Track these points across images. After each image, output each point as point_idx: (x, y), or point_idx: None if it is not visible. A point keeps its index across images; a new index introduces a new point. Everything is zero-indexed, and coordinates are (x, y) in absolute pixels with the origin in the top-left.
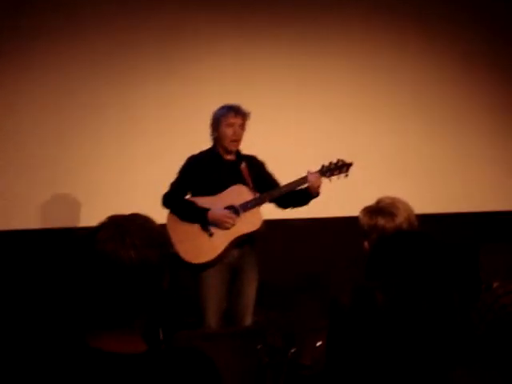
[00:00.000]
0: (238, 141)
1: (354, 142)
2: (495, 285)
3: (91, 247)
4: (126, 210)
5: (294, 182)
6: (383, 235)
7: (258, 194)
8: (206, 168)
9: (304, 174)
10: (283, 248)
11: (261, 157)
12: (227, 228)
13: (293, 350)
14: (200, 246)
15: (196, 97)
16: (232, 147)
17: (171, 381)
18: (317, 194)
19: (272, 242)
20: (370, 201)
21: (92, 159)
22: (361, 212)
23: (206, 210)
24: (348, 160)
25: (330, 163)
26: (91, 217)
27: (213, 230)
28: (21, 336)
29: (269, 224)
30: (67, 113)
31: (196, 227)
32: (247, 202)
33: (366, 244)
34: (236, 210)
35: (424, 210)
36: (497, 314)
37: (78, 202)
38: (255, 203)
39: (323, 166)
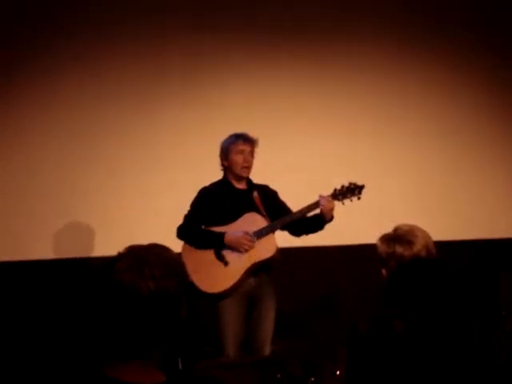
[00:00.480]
0: (249, 167)
1: (367, 168)
2: None
3: (109, 277)
4: (140, 238)
5: (306, 207)
6: (401, 263)
7: (270, 222)
8: (219, 198)
9: (316, 199)
10: (295, 276)
11: (273, 185)
12: (245, 250)
13: (313, 379)
14: (216, 275)
15: (212, 123)
16: (244, 174)
17: None
18: (330, 219)
19: (285, 270)
20: (385, 229)
21: (107, 186)
22: (378, 240)
23: (223, 233)
24: (360, 183)
25: (342, 186)
26: (106, 246)
27: (228, 258)
28: (40, 366)
29: (284, 252)
30: (82, 139)
31: (211, 256)
32: (261, 229)
33: (383, 272)
34: (251, 237)
35: (443, 237)
36: None
37: (91, 231)
38: (269, 230)
39: (335, 190)
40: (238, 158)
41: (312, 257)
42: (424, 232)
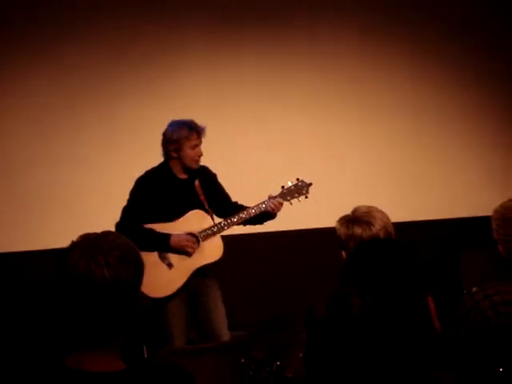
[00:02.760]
0: (200, 160)
1: (330, 147)
2: (474, 290)
3: (64, 266)
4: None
5: (253, 208)
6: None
7: (214, 219)
8: (160, 189)
9: (264, 199)
10: (260, 261)
11: (221, 169)
12: (189, 253)
13: (278, 363)
14: (158, 279)
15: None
16: (195, 166)
17: None
18: (274, 217)
19: (248, 256)
20: (348, 210)
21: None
22: (337, 222)
23: (168, 235)
24: (307, 180)
25: (291, 185)
26: (63, 238)
27: (172, 260)
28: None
29: (243, 238)
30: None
31: (154, 258)
32: (207, 230)
33: (343, 254)
34: (196, 238)
35: (405, 218)
36: (475, 319)
37: (48, 223)
38: (215, 231)
39: (283, 188)
40: (191, 153)
41: (273, 242)
42: (383, 213)
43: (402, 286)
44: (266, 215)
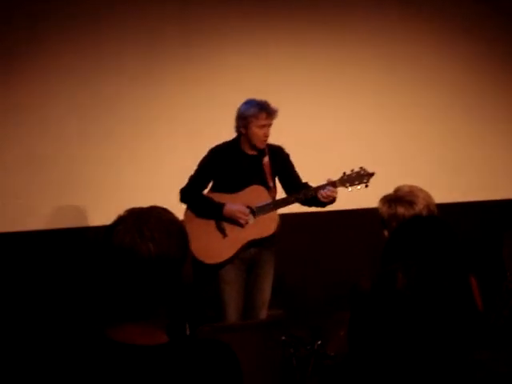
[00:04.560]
0: (267, 140)
1: (367, 131)
2: None
3: (110, 240)
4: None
5: (310, 190)
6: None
7: (275, 197)
8: (228, 162)
9: (324, 182)
10: (304, 242)
11: (288, 148)
12: (241, 224)
13: (319, 342)
14: (212, 246)
15: (212, 88)
16: (261, 146)
17: (191, 372)
18: (332, 202)
19: (293, 236)
20: (386, 191)
21: (105, 158)
22: (380, 201)
23: (222, 204)
24: (370, 169)
25: (352, 171)
26: (105, 216)
27: (227, 230)
28: (42, 332)
29: (291, 217)
30: (80, 112)
31: (211, 226)
32: (263, 205)
33: (385, 233)
34: (252, 212)
35: (448, 199)
36: None
37: (92, 202)
38: (271, 207)
39: (344, 174)
40: (258, 132)
41: (314, 222)
42: (425, 192)
43: (444, 263)
44: (322, 203)
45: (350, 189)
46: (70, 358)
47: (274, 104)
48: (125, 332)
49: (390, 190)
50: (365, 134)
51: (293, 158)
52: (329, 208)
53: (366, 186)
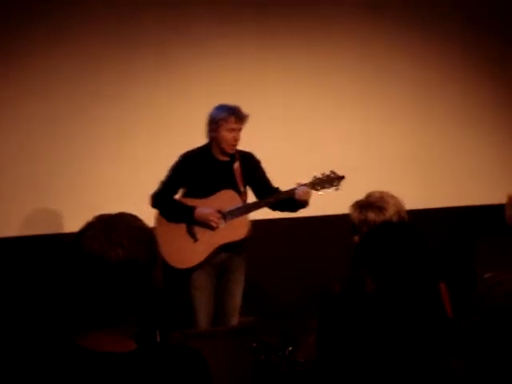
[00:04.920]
0: (236, 145)
1: (347, 137)
2: (487, 275)
3: (78, 246)
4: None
5: (282, 193)
6: None
7: (246, 201)
8: (199, 168)
9: (294, 186)
10: (276, 248)
11: (258, 154)
12: (212, 228)
13: (290, 348)
14: (183, 251)
15: (188, 97)
16: (230, 151)
17: (161, 379)
18: (305, 205)
19: (264, 242)
20: (361, 196)
21: (79, 160)
22: (351, 207)
23: (193, 207)
24: (340, 173)
25: (322, 175)
26: (77, 222)
27: (198, 234)
28: (10, 338)
29: (262, 223)
30: (57, 114)
31: (182, 230)
32: (235, 209)
33: (356, 239)
34: (223, 216)
35: (420, 205)
36: (489, 305)
37: (63, 208)
38: (242, 211)
39: (314, 178)
40: (227, 136)
41: (287, 228)
42: (396, 198)
43: (413, 269)
44: (297, 203)
45: (320, 192)
46: (38, 365)
47: (246, 109)
48: (94, 339)
49: (361, 196)
50: (338, 139)
51: (264, 164)
52: (301, 214)
53: (337, 190)
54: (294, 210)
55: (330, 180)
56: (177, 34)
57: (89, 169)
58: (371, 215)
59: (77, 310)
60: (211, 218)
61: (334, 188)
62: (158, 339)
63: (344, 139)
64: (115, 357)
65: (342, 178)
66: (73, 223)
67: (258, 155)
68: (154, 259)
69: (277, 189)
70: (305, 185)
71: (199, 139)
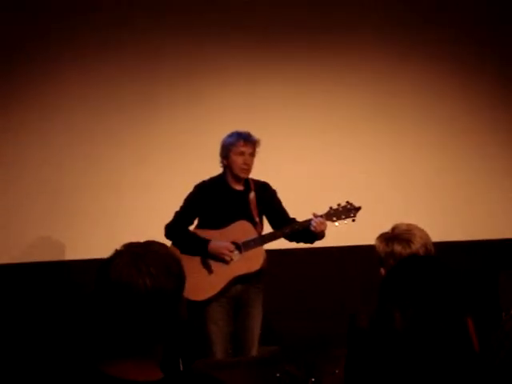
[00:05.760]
0: (248, 169)
1: (364, 168)
2: None
3: (106, 274)
4: (129, 239)
5: (297, 224)
6: None
7: (261, 232)
8: (214, 198)
9: (310, 217)
10: (299, 278)
11: (275, 185)
12: (226, 261)
13: (313, 380)
14: (198, 283)
15: (210, 124)
16: (242, 175)
17: None
18: (322, 237)
19: (288, 272)
20: (384, 229)
21: (93, 187)
22: (377, 239)
23: (208, 240)
24: (357, 204)
25: (338, 206)
26: (94, 249)
27: (213, 266)
28: (37, 365)
29: (285, 253)
30: (71, 139)
31: (197, 262)
32: (250, 241)
33: (382, 271)
34: (238, 247)
35: (443, 237)
36: None
37: (84, 233)
38: (258, 243)
39: (330, 209)
40: (237, 159)
41: (310, 258)
42: (422, 231)
43: (441, 304)
44: (313, 234)
45: (337, 223)
46: None
47: (263, 137)
48: (121, 367)
49: (386, 229)
50: (359, 173)
51: (281, 195)
52: (322, 244)
53: (353, 221)
54: (311, 241)
55: (347, 211)
56: (196, 62)
57: (106, 196)
58: (398, 248)
59: (104, 338)
60: (225, 252)
61: (351, 219)
62: (182, 368)
63: (368, 174)
64: None
65: (359, 208)
66: (90, 250)
67: (275, 185)
68: (182, 288)
69: (293, 219)
70: (321, 216)
71: (217, 167)
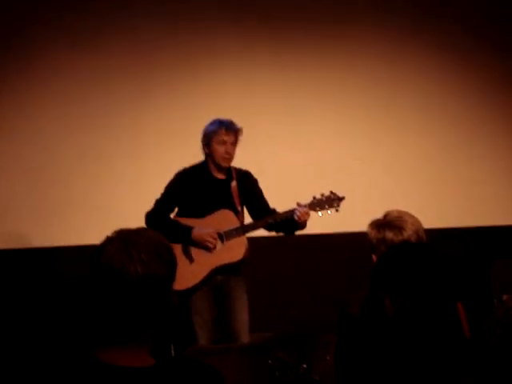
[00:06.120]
0: (230, 158)
1: (358, 154)
2: (505, 297)
3: (98, 261)
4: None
5: (281, 214)
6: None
7: (243, 221)
8: (195, 186)
9: (293, 207)
10: (290, 264)
11: (256, 173)
12: (209, 248)
13: (305, 366)
14: (179, 272)
15: (189, 110)
16: (224, 164)
17: None
18: (303, 227)
19: (279, 258)
20: (376, 215)
21: (94, 174)
22: (368, 226)
23: (190, 228)
24: (340, 194)
25: (322, 196)
26: (92, 235)
27: (194, 255)
28: (30, 352)
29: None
30: (73, 128)
31: (178, 251)
32: (232, 230)
33: (374, 258)
34: (220, 237)
35: (437, 224)
36: (507, 327)
37: (75, 219)
38: (240, 232)
39: (314, 199)
40: (219, 148)
41: (301, 245)
42: (414, 218)
43: (432, 290)
44: (294, 224)
45: (320, 213)
46: (58, 379)
47: (249, 127)
48: (113, 354)
49: (378, 214)
50: (351, 158)
51: (273, 183)
52: (313, 230)
53: (337, 211)
54: (291, 231)
55: (330, 201)
56: (192, 47)
57: (99, 184)
58: (389, 234)
59: (96, 325)
60: (208, 239)
61: (334, 209)
62: (173, 354)
63: (356, 157)
64: (134, 371)
65: (342, 198)
66: (94, 235)
67: (268, 173)
68: (173, 275)
69: (274, 210)
70: (304, 206)
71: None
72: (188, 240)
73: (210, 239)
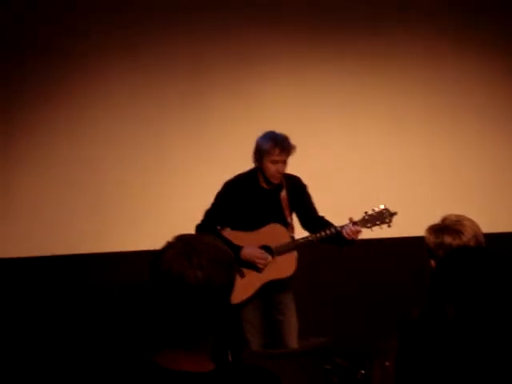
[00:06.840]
0: (280, 176)
1: (416, 160)
2: None
3: (158, 266)
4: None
5: (331, 229)
6: None
7: (293, 233)
8: (244, 196)
9: (345, 222)
10: (348, 270)
11: (307, 180)
12: (259, 269)
13: (363, 372)
14: None
15: (244, 122)
16: (274, 181)
17: None
18: (353, 243)
19: (337, 264)
20: (434, 220)
21: (136, 185)
22: (426, 230)
23: (239, 247)
24: (392, 209)
25: (373, 211)
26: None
27: (244, 271)
28: (92, 358)
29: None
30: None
31: None
32: (283, 246)
33: (432, 263)
34: (270, 252)
35: (494, 229)
36: None
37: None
38: (291, 248)
39: (366, 214)
40: (271, 167)
41: (359, 250)
42: (472, 222)
43: (496, 297)
44: (344, 240)
45: (372, 230)
46: (118, 383)
47: (299, 135)
48: (173, 359)
49: (435, 219)
50: (400, 164)
51: (311, 190)
52: (371, 235)
53: (389, 226)
54: (341, 245)
55: (382, 217)
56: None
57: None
58: (448, 239)
59: (156, 330)
60: (258, 260)
61: (386, 225)
62: (231, 359)
63: (407, 164)
64: (194, 376)
65: (394, 214)
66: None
67: (308, 181)
68: (232, 281)
69: (322, 218)
70: (356, 223)
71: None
72: (237, 259)
73: (259, 260)
